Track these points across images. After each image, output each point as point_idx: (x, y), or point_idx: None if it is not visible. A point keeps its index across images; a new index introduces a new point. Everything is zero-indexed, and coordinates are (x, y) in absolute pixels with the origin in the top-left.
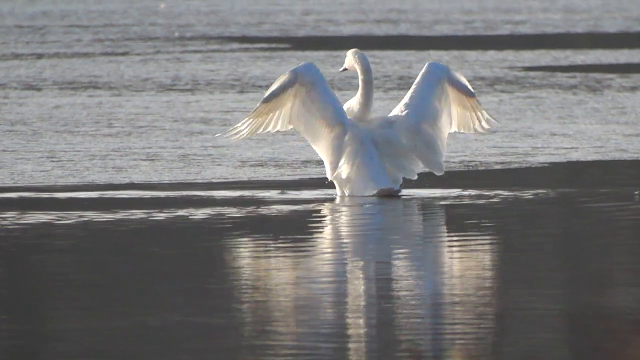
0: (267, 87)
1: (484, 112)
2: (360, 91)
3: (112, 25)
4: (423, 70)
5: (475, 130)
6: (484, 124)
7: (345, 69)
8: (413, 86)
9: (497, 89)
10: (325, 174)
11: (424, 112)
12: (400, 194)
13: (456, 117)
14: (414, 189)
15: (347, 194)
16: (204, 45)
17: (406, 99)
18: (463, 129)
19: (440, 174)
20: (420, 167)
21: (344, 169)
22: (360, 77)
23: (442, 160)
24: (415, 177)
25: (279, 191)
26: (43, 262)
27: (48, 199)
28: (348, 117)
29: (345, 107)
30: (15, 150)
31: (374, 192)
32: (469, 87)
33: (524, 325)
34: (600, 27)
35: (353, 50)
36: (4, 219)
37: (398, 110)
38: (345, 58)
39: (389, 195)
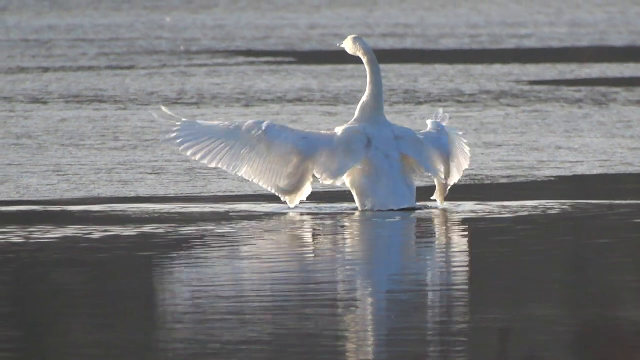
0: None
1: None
2: (369, 79)
3: (118, 39)
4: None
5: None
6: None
7: (344, 48)
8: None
9: (502, 102)
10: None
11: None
12: (419, 209)
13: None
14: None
15: (367, 207)
16: (210, 59)
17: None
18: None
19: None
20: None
21: (365, 180)
22: (364, 60)
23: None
24: (443, 176)
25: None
26: (52, 276)
27: (54, 212)
28: (363, 115)
29: (359, 106)
30: (21, 164)
31: (396, 207)
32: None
33: (531, 337)
34: (606, 41)
35: (353, 36)
36: (17, 233)
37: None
38: (345, 41)
39: (410, 209)
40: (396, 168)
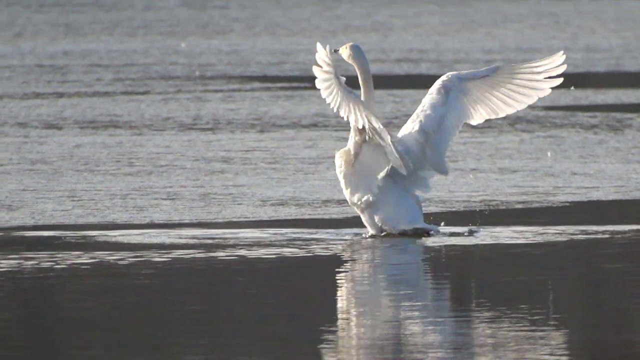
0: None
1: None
2: (362, 86)
3: (133, 64)
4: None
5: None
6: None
7: (340, 54)
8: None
9: (517, 128)
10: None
11: (428, 122)
12: (437, 232)
13: (480, 108)
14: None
15: (381, 230)
16: (225, 84)
17: (416, 111)
18: (492, 114)
19: (446, 174)
20: (431, 175)
21: (376, 203)
22: (360, 78)
23: (444, 160)
24: (430, 191)
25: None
26: (64, 302)
27: (69, 238)
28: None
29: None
30: (36, 190)
31: (409, 229)
32: (486, 69)
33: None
34: (621, 66)
35: (351, 44)
36: (30, 257)
37: (409, 125)
38: (342, 48)
39: (424, 233)
40: (399, 184)
